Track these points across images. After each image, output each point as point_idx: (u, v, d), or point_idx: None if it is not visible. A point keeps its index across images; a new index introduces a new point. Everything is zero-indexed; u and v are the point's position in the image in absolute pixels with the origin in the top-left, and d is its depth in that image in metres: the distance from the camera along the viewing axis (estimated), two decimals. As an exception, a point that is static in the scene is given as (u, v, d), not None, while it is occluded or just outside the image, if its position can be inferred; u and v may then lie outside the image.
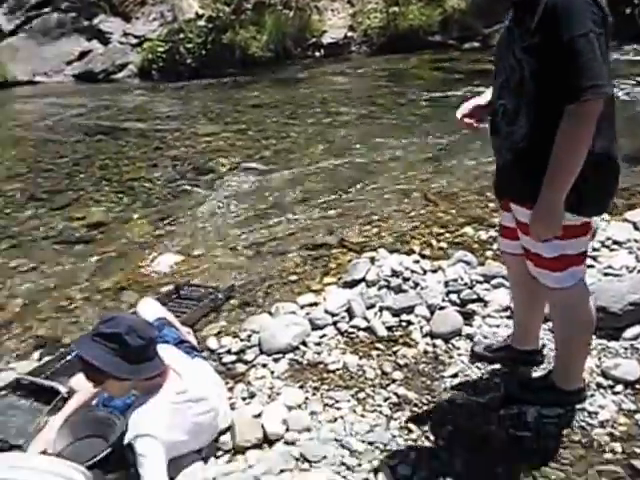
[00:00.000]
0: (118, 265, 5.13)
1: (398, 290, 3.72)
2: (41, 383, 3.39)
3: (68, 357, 3.66)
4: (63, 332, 4.19)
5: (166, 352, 2.73)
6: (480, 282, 3.80)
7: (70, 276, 5.04)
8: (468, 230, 4.76)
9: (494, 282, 3.78)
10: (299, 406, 3.01)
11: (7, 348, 4.09)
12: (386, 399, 3.03)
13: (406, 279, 3.77)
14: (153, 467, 2.39)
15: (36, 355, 3.93)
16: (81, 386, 3.06)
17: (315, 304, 3.85)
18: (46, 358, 3.78)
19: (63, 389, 3.23)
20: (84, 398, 2.85)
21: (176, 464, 2.52)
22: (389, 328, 3.52)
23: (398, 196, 5.74)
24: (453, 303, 3.66)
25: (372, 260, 4.07)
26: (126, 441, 2.47)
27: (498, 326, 3.48)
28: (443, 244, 4.58)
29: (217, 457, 2.75)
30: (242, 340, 3.65)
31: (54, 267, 5.23)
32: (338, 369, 3.29)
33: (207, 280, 4.57)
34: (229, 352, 3.57)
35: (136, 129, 8.99)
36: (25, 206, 6.64)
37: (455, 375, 3.16)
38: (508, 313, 3.52)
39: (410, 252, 4.25)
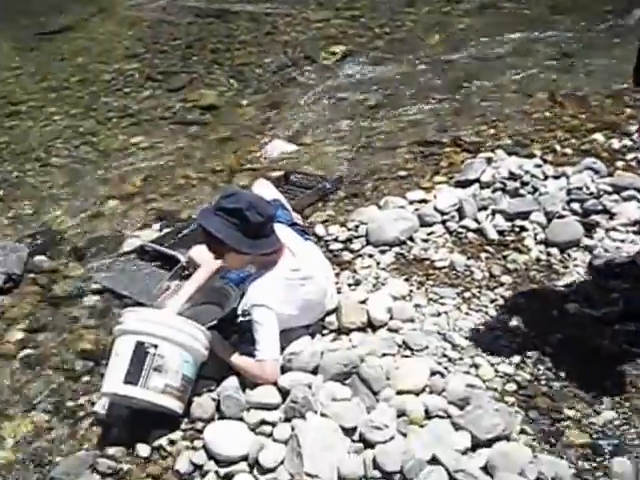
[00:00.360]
0: (230, 148, 5.26)
1: (514, 194, 3.63)
2: (163, 251, 3.65)
3: (186, 230, 3.89)
4: (180, 207, 4.41)
5: (281, 231, 2.83)
6: (608, 193, 3.55)
7: (185, 156, 5.24)
8: (598, 137, 4.34)
9: (625, 194, 3.53)
10: (403, 297, 3.09)
11: (131, 218, 4.37)
12: (492, 301, 3.05)
13: (524, 183, 3.66)
14: (267, 334, 2.55)
15: (156, 226, 4.18)
16: (199, 257, 3.27)
17: (425, 201, 3.84)
18: (166, 230, 4.04)
19: (182, 258, 3.45)
20: (210, 270, 3.01)
21: (286, 336, 2.67)
22: (501, 232, 3.48)
23: (520, 95, 5.36)
24: (574, 212, 3.50)
25: (488, 161, 3.97)
26: (245, 309, 2.63)
27: (623, 241, 3.29)
28: (568, 150, 4.21)
29: (323, 335, 2.89)
30: (349, 230, 3.73)
31: (170, 146, 5.44)
32: (444, 267, 3.33)
33: (316, 169, 4.62)
34: (336, 240, 3.66)
35: (246, 12, 8.86)
36: (143, 86, 6.83)
37: (569, 285, 3.09)
38: (636, 228, 3.32)
39: (530, 156, 4.05)
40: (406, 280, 3.24)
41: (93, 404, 2.78)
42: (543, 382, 2.58)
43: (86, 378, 2.99)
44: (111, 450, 2.48)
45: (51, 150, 5.68)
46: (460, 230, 3.58)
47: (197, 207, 4.30)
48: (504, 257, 3.34)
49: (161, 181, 4.84)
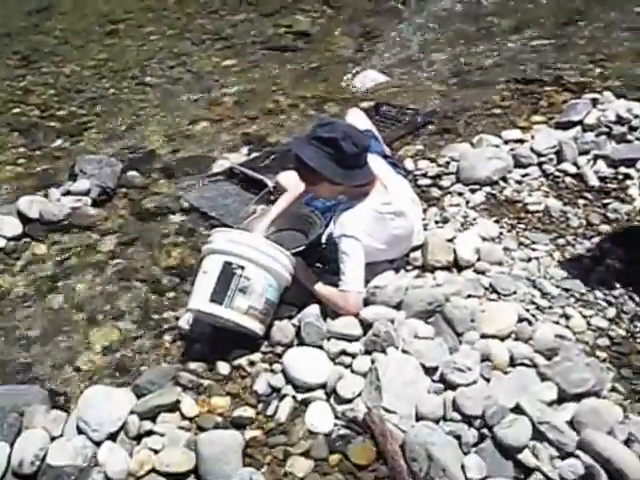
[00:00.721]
0: (321, 76, 5.12)
1: (620, 139, 3.34)
2: (251, 175, 3.59)
3: (274, 155, 3.81)
4: (269, 132, 4.33)
5: (374, 163, 2.70)
6: None
7: (276, 82, 5.13)
8: None
9: None
10: (493, 239, 2.92)
11: (221, 140, 4.33)
12: (588, 250, 2.84)
13: (633, 128, 3.34)
14: (353, 265, 2.46)
15: (245, 150, 4.12)
16: (286, 183, 3.18)
17: (521, 141, 3.60)
18: (254, 154, 3.97)
19: (270, 183, 3.38)
20: (294, 195, 2.94)
21: (370, 269, 2.57)
22: (602, 179, 3.22)
23: (636, 33, 4.92)
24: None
25: (594, 102, 3.66)
26: (333, 238, 2.55)
27: None
28: (687, 95, 3.84)
29: (407, 270, 2.78)
30: (440, 166, 3.55)
31: (262, 71, 5.33)
32: (538, 211, 3.12)
33: (408, 102, 4.41)
34: (425, 175, 3.49)
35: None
36: (238, 9, 6.69)
37: (677, 239, 2.84)
38: None
39: (641, 99, 3.72)
40: (496, 222, 3.07)
41: (177, 319, 2.80)
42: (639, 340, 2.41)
43: (172, 294, 3.01)
44: (193, 365, 2.48)
45: (146, 69, 5.68)
46: (557, 174, 3.35)
47: (286, 133, 4.25)
48: (604, 205, 3.09)
49: (251, 105, 4.77)
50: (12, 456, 2.09)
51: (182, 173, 3.96)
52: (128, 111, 4.93)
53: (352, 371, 2.26)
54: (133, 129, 4.64)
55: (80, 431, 2.19)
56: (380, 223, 2.56)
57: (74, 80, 5.68)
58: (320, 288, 2.54)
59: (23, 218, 3.55)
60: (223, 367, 2.45)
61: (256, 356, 2.47)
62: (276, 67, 5.40)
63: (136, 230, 3.49)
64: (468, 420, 2.03)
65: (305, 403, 2.24)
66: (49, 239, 3.47)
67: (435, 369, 2.19)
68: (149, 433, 2.18)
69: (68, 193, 3.74)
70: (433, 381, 2.18)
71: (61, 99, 5.31)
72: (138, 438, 2.18)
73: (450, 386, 2.13)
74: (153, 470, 2.06)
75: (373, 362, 2.23)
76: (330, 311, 2.48)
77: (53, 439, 2.17)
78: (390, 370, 2.14)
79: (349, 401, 2.17)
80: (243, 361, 2.46)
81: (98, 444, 2.15)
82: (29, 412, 2.27)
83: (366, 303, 2.47)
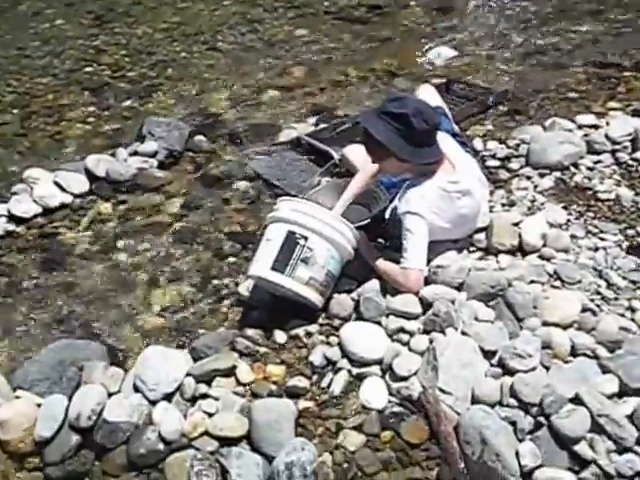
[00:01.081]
0: (392, 49, 5.03)
1: (703, 129, 3.19)
2: (318, 146, 3.57)
3: (341, 128, 3.77)
4: (337, 104, 4.29)
5: (444, 141, 2.64)
6: None
7: (347, 53, 5.07)
8: None
9: None
10: (560, 226, 2.83)
11: (289, 110, 4.32)
12: (660, 242, 2.73)
13: None
14: (417, 243, 2.43)
15: (312, 120, 4.09)
16: (353, 156, 3.16)
17: (595, 127, 3.46)
18: (321, 125, 3.94)
19: (336, 156, 3.36)
20: (368, 174, 2.90)
21: (433, 247, 2.52)
22: (681, 168, 3.09)
23: None
24: None
25: (677, 90, 3.51)
26: (397, 214, 2.51)
27: None
28: None
29: (470, 252, 2.72)
30: (509, 147, 3.45)
31: (333, 42, 5.27)
32: (609, 199, 3.00)
33: (479, 80, 4.30)
34: (493, 157, 3.40)
35: None
36: (312, -22, 6.62)
37: None
38: None
39: None
40: (564, 208, 2.97)
41: (237, 285, 2.83)
42: None
43: (232, 259, 3.03)
44: (250, 331, 2.49)
45: (218, 35, 5.70)
46: (631, 163, 3.21)
47: (354, 106, 4.20)
48: (681, 197, 2.96)
49: (320, 76, 4.74)
50: (70, 409, 2.15)
51: (248, 140, 3.97)
52: (198, 76, 4.95)
53: (409, 349, 2.24)
54: (202, 94, 4.67)
55: (137, 389, 2.23)
56: (446, 202, 2.50)
57: (146, 42, 5.74)
58: (381, 264, 2.52)
59: (90, 176, 3.64)
60: (280, 336, 2.46)
61: (313, 327, 2.48)
62: (347, 38, 5.33)
63: (200, 194, 3.53)
64: (525, 407, 1.99)
65: (360, 378, 2.24)
66: (114, 198, 3.55)
67: (494, 353, 2.15)
68: (204, 396, 2.21)
69: (135, 154, 3.81)
70: (491, 365, 2.14)
71: (132, 60, 5.38)
72: (193, 400, 2.21)
73: (508, 371, 2.09)
74: (206, 433, 2.09)
75: (431, 342, 2.20)
76: (390, 287, 2.46)
77: (110, 395, 2.22)
78: (448, 351, 2.11)
79: (404, 379, 2.15)
80: (300, 331, 2.46)
81: (154, 403, 2.20)
82: (88, 367, 2.33)
83: (427, 282, 2.43)
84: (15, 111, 4.65)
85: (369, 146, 2.56)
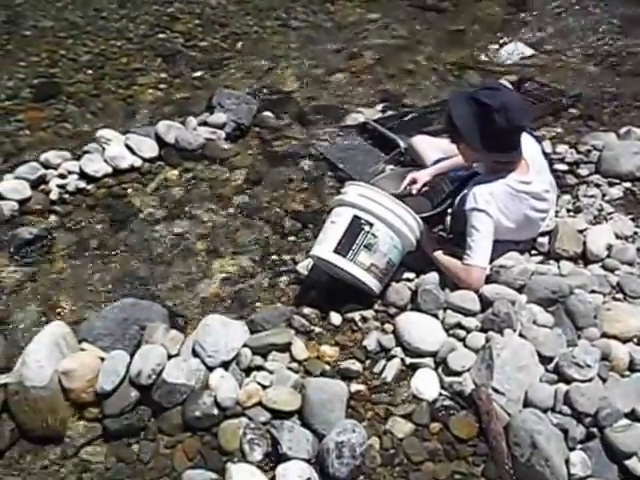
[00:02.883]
0: (465, 42, 4.97)
1: None
2: (385, 133, 3.58)
3: (409, 116, 3.77)
4: (405, 92, 4.28)
5: (525, 142, 2.59)
6: None
7: (419, 41, 5.03)
8: None
9: None
10: (626, 238, 2.79)
11: (356, 93, 4.32)
12: None
13: None
14: (481, 240, 2.42)
15: (380, 107, 4.09)
16: (420, 147, 3.15)
17: (672, 140, 3.39)
18: (389, 112, 3.94)
19: (402, 144, 3.35)
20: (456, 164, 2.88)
21: (496, 247, 2.50)
22: None
23: None
24: None
25: None
26: (464, 210, 2.49)
27: None
28: None
29: (531, 255, 2.71)
30: (579, 153, 3.39)
31: (405, 29, 5.24)
32: (679, 216, 2.95)
33: (553, 81, 4.23)
34: (562, 161, 3.35)
35: None
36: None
37: None
38: None
39: None
40: (632, 220, 2.92)
41: (296, 263, 2.87)
42: None
43: (292, 238, 3.07)
44: (306, 310, 2.53)
45: (291, 12, 5.70)
46: None
47: (422, 96, 4.20)
48: None
49: (390, 63, 4.71)
50: (131, 366, 2.21)
51: (315, 121, 3.99)
52: (268, 52, 4.98)
53: (465, 345, 2.25)
54: (271, 70, 4.69)
55: (195, 354, 2.28)
56: (514, 202, 2.48)
57: (219, 13, 5.78)
58: (443, 258, 2.52)
59: (160, 142, 3.70)
60: (335, 317, 2.49)
61: (369, 313, 2.50)
62: (420, 26, 5.28)
63: (264, 170, 3.57)
64: (578, 416, 1.99)
65: (413, 368, 2.26)
66: (181, 166, 3.61)
67: (551, 359, 2.14)
68: (259, 368, 2.26)
69: (204, 124, 3.86)
70: (547, 371, 2.13)
71: (205, 30, 5.42)
72: (248, 371, 2.26)
73: (564, 379, 2.08)
74: (260, 404, 2.14)
75: (488, 340, 2.20)
76: (449, 282, 2.47)
77: (170, 357, 2.27)
78: (505, 352, 2.11)
79: (458, 374, 2.17)
80: (355, 315, 2.49)
81: (211, 369, 2.25)
82: (150, 328, 2.38)
83: (488, 281, 2.43)
84: (89, 71, 4.74)
85: (448, 125, 2.55)
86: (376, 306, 2.53)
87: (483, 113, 2.37)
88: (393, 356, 2.30)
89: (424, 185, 2.88)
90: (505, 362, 2.10)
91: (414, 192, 2.85)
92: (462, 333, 2.29)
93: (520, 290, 2.40)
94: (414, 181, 2.89)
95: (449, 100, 2.56)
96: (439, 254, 2.54)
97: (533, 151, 2.62)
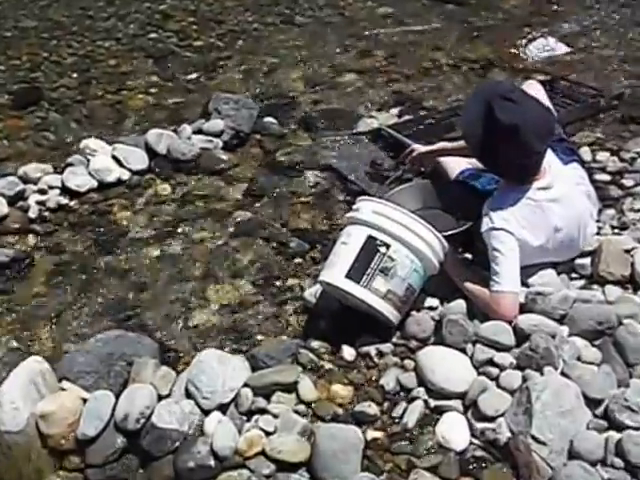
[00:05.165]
0: (489, 37, 4.93)
1: None
2: (402, 140, 3.50)
3: (429, 122, 3.71)
4: (424, 94, 4.23)
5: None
6: None
7: (438, 37, 5.00)
8: None
9: None
10: (681, 259, 2.69)
11: (369, 96, 4.28)
12: None
13: None
14: (506, 262, 2.34)
15: (395, 111, 4.04)
16: (443, 157, 3.08)
17: None
18: (406, 117, 3.89)
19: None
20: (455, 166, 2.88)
21: (527, 271, 2.44)
22: None
23: None
24: None
25: None
26: (481, 232, 2.43)
27: None
28: None
29: (571, 279, 2.61)
30: (623, 161, 3.30)
31: (422, 24, 5.19)
32: None
33: (590, 80, 4.14)
34: (603, 170, 3.25)
35: None
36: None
37: None
38: None
39: None
40: (687, 238, 2.82)
41: (302, 289, 2.79)
42: None
43: (298, 260, 3.00)
44: (315, 343, 2.43)
45: (294, 6, 5.71)
46: None
47: (443, 98, 4.15)
48: None
49: (407, 61, 4.68)
50: (117, 408, 2.13)
51: (323, 127, 3.94)
52: (270, 50, 4.96)
53: (498, 385, 2.14)
54: (274, 71, 4.67)
55: (189, 395, 2.20)
56: (537, 214, 2.41)
57: (216, 9, 5.78)
58: (469, 284, 2.44)
59: (150, 152, 3.67)
60: (348, 352, 2.40)
61: (386, 347, 2.40)
62: (439, 21, 5.25)
63: (267, 183, 3.51)
64: (632, 470, 1.87)
65: (438, 411, 2.15)
66: (174, 179, 3.57)
67: (599, 402, 2.02)
68: (262, 411, 2.16)
69: (200, 132, 3.82)
70: (595, 416, 2.01)
71: (200, 29, 5.43)
72: (249, 414, 2.17)
73: (616, 426, 1.96)
74: (262, 453, 2.03)
75: (525, 380, 2.09)
76: (479, 311, 2.38)
77: (160, 398, 2.19)
78: (545, 394, 2.00)
79: (491, 419, 2.05)
80: (371, 349, 2.39)
81: (206, 413, 2.15)
82: (138, 364, 2.31)
83: (522, 310, 2.33)
84: (74, 75, 4.74)
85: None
86: (395, 339, 2.43)
87: (507, 131, 2.32)
88: (415, 398, 2.20)
89: (419, 162, 3.07)
90: (546, 406, 1.99)
91: (406, 164, 3.12)
92: (495, 371, 2.18)
93: (561, 321, 2.29)
94: (411, 152, 3.04)
95: (470, 97, 2.57)
96: (465, 279, 2.46)
97: (554, 161, 2.56)
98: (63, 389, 2.23)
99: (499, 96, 2.39)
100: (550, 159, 2.54)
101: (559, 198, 2.45)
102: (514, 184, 2.46)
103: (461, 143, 2.74)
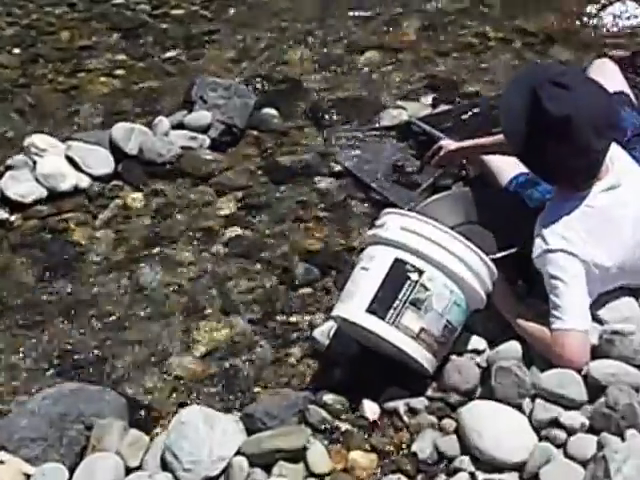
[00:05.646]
0: (550, 3, 4.94)
1: None
2: (437, 136, 3.52)
3: (473, 112, 3.76)
4: (466, 77, 4.28)
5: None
6: None
7: (483, 3, 5.02)
8: None
9: None
10: None
11: (395, 80, 4.32)
12: None
13: None
14: (568, 292, 2.33)
15: (429, 99, 4.08)
16: (491, 158, 3.11)
17: None
18: (442, 106, 3.93)
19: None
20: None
21: (597, 301, 2.46)
22: None
23: None
24: None
25: None
26: (534, 256, 2.44)
27: None
28: None
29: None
30: None
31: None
32: None
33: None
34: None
35: None
36: None
37: None
38: None
39: None
40: None
41: (312, 327, 2.82)
42: None
43: (307, 290, 3.03)
44: (328, 397, 2.44)
45: (300, -35, 5.72)
46: None
47: (490, 82, 4.19)
48: None
49: (443, 35, 4.72)
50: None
51: (336, 120, 3.97)
52: (270, 23, 5.00)
53: (566, 454, 2.14)
54: (274, 48, 4.71)
55: (166, 467, 2.22)
56: (604, 224, 2.42)
57: (201, -32, 5.82)
58: (525, 320, 2.45)
59: (117, 152, 3.71)
60: (370, 408, 2.41)
61: (419, 402, 2.41)
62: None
63: (265, 191, 3.55)
64: None
65: (488, 487, 2.17)
66: (148, 187, 3.62)
67: (696, 475, 2.04)
68: (261, 487, 2.20)
69: (180, 126, 3.87)
70: (691, 493, 2.03)
71: (181, -6, 5.46)
72: (244, 491, 2.20)
73: None
74: (261, 543, 2.07)
75: (601, 447, 2.09)
76: (538, 355, 2.38)
77: (129, 471, 2.21)
78: (628, 465, 1.98)
79: (557, 498, 2.07)
80: (400, 405, 2.40)
81: (189, 490, 2.19)
82: (100, 427, 2.33)
83: (595, 354, 2.34)
84: (16, 51, 4.79)
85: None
86: (430, 391, 2.44)
87: (538, 120, 2.37)
88: (458, 469, 2.20)
89: (449, 161, 3.16)
90: (628, 480, 2.00)
91: (432, 164, 3.20)
92: (561, 435, 2.18)
93: (645, 368, 2.31)
94: (439, 149, 3.11)
95: (512, 79, 2.63)
96: (520, 315, 2.47)
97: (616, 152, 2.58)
98: (1, 462, 2.23)
99: (547, 81, 2.40)
100: (615, 153, 2.55)
101: (630, 201, 2.47)
102: (568, 191, 2.48)
103: (501, 137, 2.75)
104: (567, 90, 2.38)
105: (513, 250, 2.65)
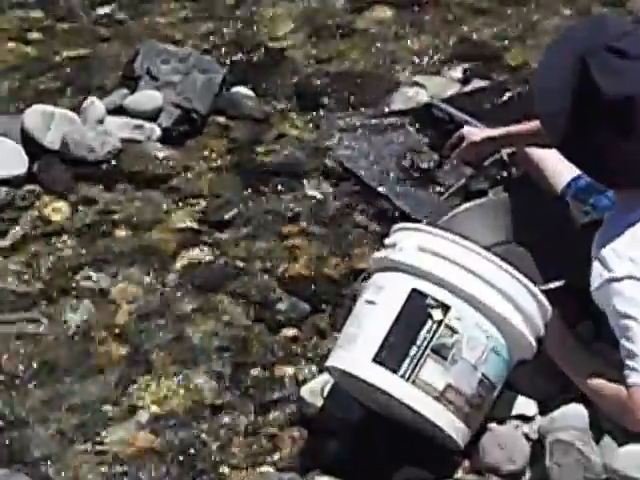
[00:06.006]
0: None
1: None
2: (467, 122, 3.55)
3: (514, 92, 3.81)
4: (506, 43, 4.37)
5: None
6: None
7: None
8: None
9: None
10: None
11: (412, 48, 4.39)
12: None
13: None
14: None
15: (457, 72, 4.14)
16: (533, 150, 3.14)
17: None
18: (475, 82, 3.97)
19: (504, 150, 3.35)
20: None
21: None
22: None
23: None
24: None
25: None
26: (593, 287, 2.44)
27: None
28: None
29: None
30: None
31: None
32: None
33: None
34: None
35: None
36: None
37: None
38: None
39: None
40: None
41: (299, 384, 2.84)
42: None
43: (291, 331, 3.07)
44: (320, 481, 2.49)
45: None
46: None
47: (539, 48, 4.16)
48: None
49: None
50: None
51: (333, 103, 4.03)
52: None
53: None
54: (246, 6, 4.74)
55: None
56: None
57: None
58: (589, 375, 2.45)
59: (30, 145, 3.73)
60: (381, 497, 2.45)
61: (448, 488, 2.45)
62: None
63: (238, 200, 3.58)
64: None
65: None
66: (75, 193, 3.63)
67: None
68: None
69: (120, 111, 3.89)
70: None
71: None
72: None
73: None
74: None
75: None
76: (611, 423, 2.39)
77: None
78: None
79: None
80: (421, 494, 2.43)
81: None
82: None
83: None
84: None
85: None
86: (460, 473, 2.46)
87: (587, 101, 2.38)
88: None
89: (474, 155, 3.18)
90: None
91: (452, 159, 3.29)
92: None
93: None
94: (460, 140, 3.15)
95: (552, 44, 2.61)
96: (582, 366, 2.49)
97: None
98: None
99: (602, 46, 2.42)
100: None
101: None
102: (633, 197, 2.49)
103: (537, 124, 2.79)
104: (629, 60, 2.38)
105: (570, 279, 2.67)
